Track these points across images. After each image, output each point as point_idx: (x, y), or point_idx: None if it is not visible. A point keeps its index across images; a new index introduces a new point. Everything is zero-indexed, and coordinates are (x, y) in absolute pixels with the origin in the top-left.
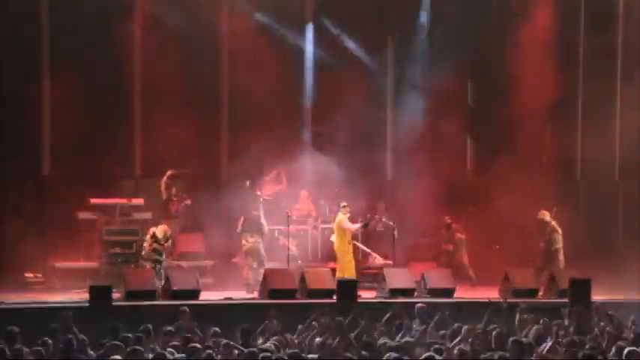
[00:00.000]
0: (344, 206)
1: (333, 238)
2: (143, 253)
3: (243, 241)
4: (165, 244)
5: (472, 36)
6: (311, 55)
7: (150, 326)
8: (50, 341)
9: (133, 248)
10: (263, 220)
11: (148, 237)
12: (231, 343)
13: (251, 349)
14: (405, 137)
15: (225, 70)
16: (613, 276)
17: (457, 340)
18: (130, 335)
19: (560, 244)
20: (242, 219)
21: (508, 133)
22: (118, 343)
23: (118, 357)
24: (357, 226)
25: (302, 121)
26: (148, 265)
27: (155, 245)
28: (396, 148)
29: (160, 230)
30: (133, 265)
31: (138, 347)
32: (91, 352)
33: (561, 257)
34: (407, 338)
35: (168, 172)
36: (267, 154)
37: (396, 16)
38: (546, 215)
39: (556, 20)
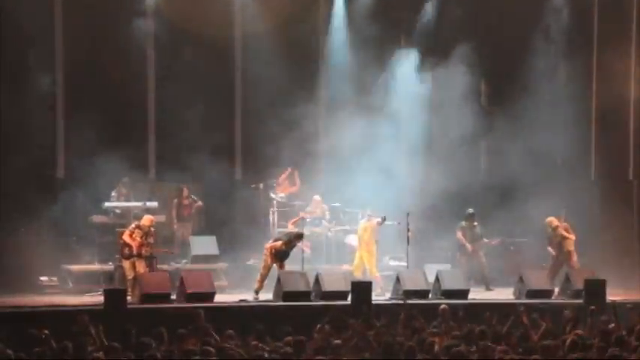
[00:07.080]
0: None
1: (349, 240)
2: (143, 251)
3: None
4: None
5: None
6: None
7: (162, 329)
8: (70, 345)
9: None
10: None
11: (136, 235)
12: (260, 344)
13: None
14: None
15: (239, 70)
16: (628, 276)
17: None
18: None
19: (572, 247)
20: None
21: (520, 134)
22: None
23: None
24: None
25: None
26: (143, 262)
27: (150, 240)
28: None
29: (147, 221)
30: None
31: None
32: (99, 354)
33: (575, 258)
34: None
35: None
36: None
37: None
38: (553, 222)
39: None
